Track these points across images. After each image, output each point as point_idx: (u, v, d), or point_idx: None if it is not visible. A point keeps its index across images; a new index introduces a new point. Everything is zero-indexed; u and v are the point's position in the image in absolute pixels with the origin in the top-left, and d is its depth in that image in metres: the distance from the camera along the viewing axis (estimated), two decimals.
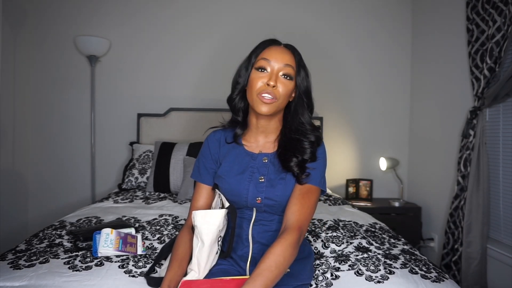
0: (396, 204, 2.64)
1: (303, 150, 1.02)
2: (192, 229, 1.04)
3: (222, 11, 2.86)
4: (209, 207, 1.11)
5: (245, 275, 1.02)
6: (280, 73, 1.00)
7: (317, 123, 2.79)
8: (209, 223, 0.96)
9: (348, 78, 2.96)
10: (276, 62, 1.00)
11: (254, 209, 1.04)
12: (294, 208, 0.97)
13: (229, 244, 1.03)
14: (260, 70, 1.01)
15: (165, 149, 2.42)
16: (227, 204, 1.03)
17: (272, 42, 1.05)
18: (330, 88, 2.95)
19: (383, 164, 2.80)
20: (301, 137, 1.04)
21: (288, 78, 1.01)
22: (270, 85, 0.98)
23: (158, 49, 2.83)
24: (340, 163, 2.96)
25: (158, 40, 2.82)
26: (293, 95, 1.06)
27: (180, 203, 2.02)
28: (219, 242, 1.01)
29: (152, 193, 2.28)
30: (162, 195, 2.24)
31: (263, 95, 0.98)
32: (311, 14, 2.91)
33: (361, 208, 2.09)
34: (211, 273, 0.99)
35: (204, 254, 0.96)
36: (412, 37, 2.96)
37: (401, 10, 2.96)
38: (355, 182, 2.88)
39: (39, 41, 2.73)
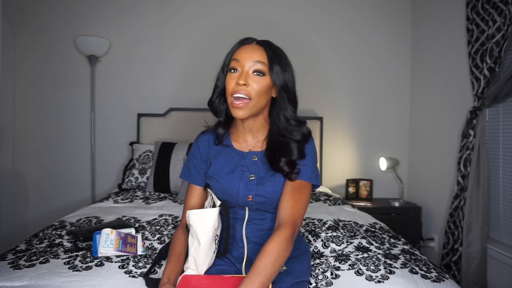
0: (396, 204, 2.64)
1: (290, 152, 1.02)
2: (187, 228, 1.04)
3: (221, 10, 2.86)
4: (202, 206, 1.11)
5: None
6: (251, 71, 0.99)
7: (317, 123, 2.79)
8: (204, 222, 0.97)
9: (348, 78, 2.96)
10: (246, 61, 0.99)
11: (247, 208, 1.05)
12: (287, 204, 0.97)
13: (225, 243, 1.03)
14: (232, 71, 1.01)
15: (165, 149, 2.42)
16: (218, 203, 1.03)
17: (244, 41, 1.05)
18: (329, 88, 2.95)
19: (383, 164, 2.80)
20: (287, 139, 1.03)
21: (260, 74, 0.99)
22: (240, 84, 0.97)
23: (158, 48, 2.83)
24: (340, 163, 2.96)
25: (158, 40, 2.82)
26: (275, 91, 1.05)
27: (180, 203, 2.01)
28: (216, 241, 1.01)
29: (152, 193, 2.28)
30: (162, 195, 2.24)
31: (234, 96, 0.97)
32: (310, 12, 2.91)
33: (361, 208, 2.10)
34: (209, 274, 1.00)
35: (201, 253, 0.97)
36: (412, 37, 2.96)
37: (401, 10, 2.96)
38: (355, 182, 2.88)
39: (39, 41, 2.73)
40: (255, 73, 0.99)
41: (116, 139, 2.81)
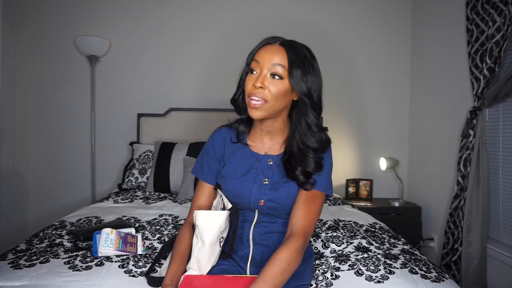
0: (396, 204, 2.64)
1: (307, 163, 1.00)
2: (193, 226, 1.04)
3: (221, 9, 2.86)
4: (210, 206, 1.10)
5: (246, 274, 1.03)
6: (269, 74, 0.97)
7: None
8: (211, 224, 0.96)
9: (348, 78, 2.96)
10: (264, 63, 0.96)
11: (256, 210, 1.04)
12: (300, 213, 0.97)
13: (230, 245, 1.03)
14: (251, 72, 0.99)
15: (165, 149, 2.42)
16: (229, 205, 1.02)
17: (267, 40, 1.02)
18: (329, 88, 2.93)
19: (383, 164, 2.80)
20: (306, 146, 1.01)
21: (277, 77, 0.96)
22: (257, 86, 0.95)
23: (158, 48, 2.83)
24: (340, 163, 2.96)
25: (158, 40, 2.82)
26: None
27: (180, 203, 2.02)
28: (221, 243, 1.01)
29: (152, 193, 2.28)
30: (162, 195, 2.24)
31: (251, 98, 0.96)
32: (310, 13, 2.91)
33: (361, 208, 2.09)
34: (212, 273, 1.00)
35: (204, 254, 0.96)
36: (412, 37, 2.97)
37: (401, 10, 2.97)
38: (355, 182, 2.88)
39: (39, 41, 2.74)
40: (273, 76, 0.97)
41: (116, 139, 2.81)
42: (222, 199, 1.06)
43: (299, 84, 0.97)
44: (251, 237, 1.04)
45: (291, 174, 1.01)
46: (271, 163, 1.05)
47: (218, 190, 1.08)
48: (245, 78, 1.01)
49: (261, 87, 0.95)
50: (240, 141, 1.09)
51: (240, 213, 1.05)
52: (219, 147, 1.10)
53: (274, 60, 0.96)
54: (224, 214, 0.98)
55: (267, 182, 1.02)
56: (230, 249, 1.03)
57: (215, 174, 1.09)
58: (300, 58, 0.98)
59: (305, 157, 1.00)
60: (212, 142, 1.11)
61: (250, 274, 1.01)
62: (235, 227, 1.02)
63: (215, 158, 1.10)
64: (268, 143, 1.08)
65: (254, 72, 0.98)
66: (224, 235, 1.02)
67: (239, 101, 1.07)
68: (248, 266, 1.03)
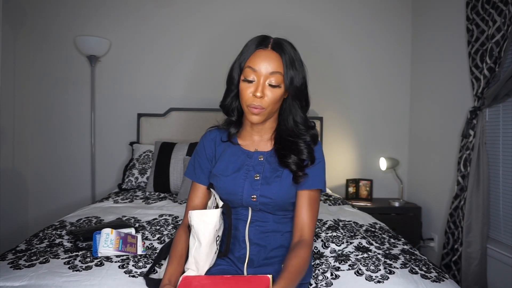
0: (396, 204, 2.64)
1: (299, 151, 1.03)
2: (189, 228, 1.04)
3: (221, 9, 2.86)
4: (205, 206, 1.11)
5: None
6: (267, 82, 0.98)
7: (317, 123, 2.78)
8: (206, 222, 0.97)
9: (348, 78, 2.96)
10: (262, 71, 0.97)
11: (250, 208, 1.04)
12: (307, 219, 1.00)
13: (226, 243, 1.03)
14: (247, 81, 0.99)
15: (165, 149, 2.42)
16: (221, 203, 1.03)
17: (259, 45, 1.00)
18: (330, 88, 2.95)
19: (383, 164, 2.80)
20: (296, 139, 1.04)
21: (276, 86, 0.98)
22: (257, 96, 0.97)
23: (158, 48, 2.83)
24: (340, 163, 2.96)
25: (158, 40, 2.82)
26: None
27: (180, 203, 2.01)
28: (218, 242, 1.01)
29: (152, 193, 2.28)
30: (162, 195, 2.24)
31: (252, 107, 0.98)
32: (310, 12, 2.91)
33: (361, 208, 2.09)
34: (211, 274, 1.00)
35: (202, 254, 0.97)
36: (412, 37, 2.96)
37: (401, 10, 2.96)
38: (355, 182, 2.88)
39: (39, 41, 2.74)
40: (271, 86, 0.98)
41: (116, 139, 2.81)
42: (215, 199, 1.07)
43: (292, 86, 1.00)
44: (247, 237, 1.04)
45: (283, 162, 1.02)
46: (262, 159, 1.06)
47: (211, 189, 1.08)
48: (238, 84, 1.02)
49: (261, 97, 0.97)
50: (231, 141, 1.11)
51: (234, 212, 1.05)
52: (209, 147, 1.11)
53: (271, 68, 0.98)
54: (218, 212, 0.99)
55: (258, 178, 1.03)
56: (227, 247, 1.03)
57: (207, 175, 1.10)
58: (292, 60, 1.01)
59: (296, 146, 1.03)
60: (202, 143, 1.13)
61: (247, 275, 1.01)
62: (229, 223, 1.03)
63: (206, 159, 1.11)
64: (257, 139, 1.10)
65: (251, 80, 0.99)
66: (220, 234, 1.03)
67: (228, 104, 1.08)
68: (245, 267, 1.03)
